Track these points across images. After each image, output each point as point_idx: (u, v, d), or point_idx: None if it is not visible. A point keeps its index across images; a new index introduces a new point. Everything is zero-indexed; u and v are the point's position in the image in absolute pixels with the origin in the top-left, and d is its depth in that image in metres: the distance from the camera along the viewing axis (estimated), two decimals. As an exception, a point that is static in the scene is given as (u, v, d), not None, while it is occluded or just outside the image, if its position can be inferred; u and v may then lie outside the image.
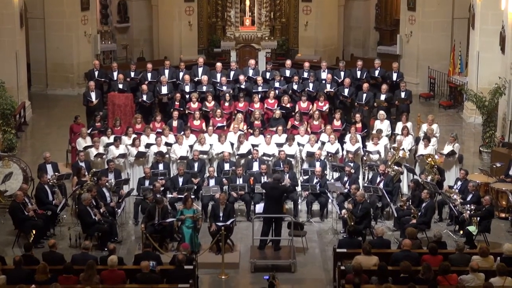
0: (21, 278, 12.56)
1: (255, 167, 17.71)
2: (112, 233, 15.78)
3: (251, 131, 19.20)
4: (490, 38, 21.55)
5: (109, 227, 15.64)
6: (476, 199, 16.18)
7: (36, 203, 16.24)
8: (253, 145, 18.38)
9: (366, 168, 18.17)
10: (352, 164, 17.50)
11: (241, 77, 21.09)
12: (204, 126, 19.37)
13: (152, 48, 28.53)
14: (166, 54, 26.86)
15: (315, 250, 15.70)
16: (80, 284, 12.63)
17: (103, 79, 21.72)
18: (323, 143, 18.45)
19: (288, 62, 22.33)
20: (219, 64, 21.96)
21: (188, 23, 27.58)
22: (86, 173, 17.10)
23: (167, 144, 18.41)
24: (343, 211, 15.83)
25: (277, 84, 20.99)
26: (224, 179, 17.30)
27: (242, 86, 20.90)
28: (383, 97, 20.62)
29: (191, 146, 18.39)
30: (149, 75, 21.62)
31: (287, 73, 21.63)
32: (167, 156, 18.22)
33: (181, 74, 21.61)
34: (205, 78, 21.07)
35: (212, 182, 17.24)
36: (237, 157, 18.30)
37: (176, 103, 20.07)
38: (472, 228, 15.41)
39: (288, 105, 20.05)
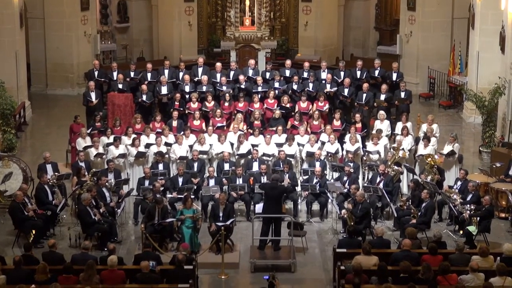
0: (21, 278, 12.56)
1: (255, 167, 17.71)
2: (112, 233, 15.78)
3: (251, 131, 19.20)
4: (490, 38, 21.55)
5: (109, 227, 15.64)
6: (476, 199, 16.18)
7: (36, 203, 16.24)
8: (253, 145, 18.38)
9: (366, 168, 18.17)
10: (352, 164, 17.50)
11: (241, 77, 21.09)
12: (204, 126, 19.36)
13: (152, 48, 28.52)
14: (166, 54, 26.86)
15: (315, 250, 15.70)
16: (80, 284, 12.63)
17: (103, 79, 21.72)
18: (323, 143, 18.45)
19: (288, 62, 22.33)
20: (219, 64, 21.96)
21: (188, 23, 27.59)
22: (86, 173, 17.11)
23: (166, 144, 18.41)
24: (343, 211, 15.83)
25: (277, 84, 20.99)
26: (224, 179, 17.30)
27: (242, 86, 20.90)
28: (383, 97, 20.61)
29: (191, 146, 18.39)
30: (149, 75, 21.62)
31: (287, 73, 21.63)
32: (166, 156, 18.22)
33: (181, 74, 21.60)
34: (205, 78, 21.07)
35: (212, 182, 17.24)
36: (237, 157, 18.29)
37: (176, 103, 20.07)
38: (472, 228, 15.41)
39: (288, 105, 20.05)
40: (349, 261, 13.53)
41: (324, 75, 21.42)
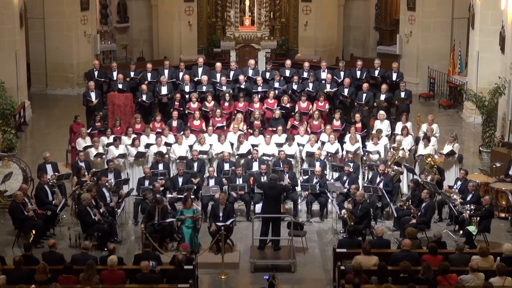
0: (21, 278, 12.55)
1: (255, 167, 17.71)
2: (112, 233, 15.77)
3: (251, 131, 19.20)
4: (490, 38, 21.55)
5: (109, 227, 15.64)
6: (476, 199, 16.18)
7: (36, 203, 16.24)
8: (253, 145, 18.38)
9: (366, 168, 18.17)
10: (351, 164, 17.50)
11: (241, 77, 21.09)
12: (204, 126, 19.36)
13: (152, 48, 28.53)
14: (166, 54, 26.87)
15: (315, 250, 15.70)
16: (80, 284, 12.63)
17: (102, 79, 21.71)
18: (323, 143, 18.45)
19: (288, 62, 22.33)
20: (218, 64, 21.96)
21: (188, 23, 27.60)
22: (86, 173, 17.10)
23: (166, 144, 18.41)
24: (343, 211, 15.83)
25: (276, 84, 20.99)
26: (224, 179, 17.30)
27: (242, 86, 20.90)
28: (383, 97, 20.61)
29: (190, 146, 18.39)
30: (148, 75, 21.61)
31: (287, 73, 21.62)
32: (166, 156, 18.22)
33: (181, 74, 21.60)
34: (205, 78, 21.07)
35: (212, 182, 17.24)
36: (236, 157, 18.29)
37: (176, 103, 20.07)
38: (472, 228, 15.41)
39: (288, 105, 20.05)
40: (349, 261, 13.53)
41: (324, 75, 21.42)
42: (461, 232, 15.97)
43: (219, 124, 19.32)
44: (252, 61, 22.21)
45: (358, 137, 18.71)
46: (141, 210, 16.53)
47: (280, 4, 28.02)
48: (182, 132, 18.77)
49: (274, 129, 19.06)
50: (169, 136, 18.65)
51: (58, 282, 12.28)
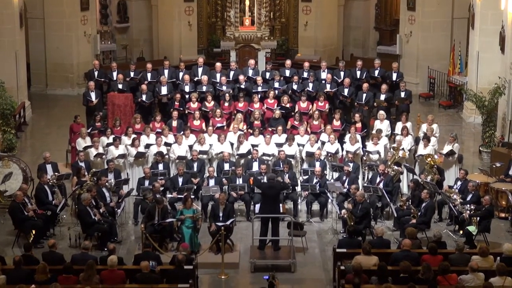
0: (21, 278, 12.55)
1: (255, 167, 17.71)
2: (112, 233, 15.77)
3: (251, 131, 19.20)
4: (490, 38, 21.55)
5: (109, 227, 15.64)
6: (476, 199, 16.18)
7: (36, 203, 16.24)
8: (253, 145, 18.37)
9: (366, 168, 18.17)
10: (351, 164, 17.50)
11: (241, 77, 21.09)
12: (204, 126, 19.36)
13: (151, 48, 28.53)
14: (165, 54, 26.86)
15: (315, 250, 15.69)
16: (80, 284, 12.63)
17: (102, 79, 21.71)
18: (323, 143, 18.45)
19: (288, 62, 22.32)
20: (218, 64, 21.96)
21: (188, 23, 27.60)
22: (86, 173, 17.10)
23: (166, 144, 18.41)
24: (343, 211, 15.83)
25: (276, 84, 20.99)
26: (224, 179, 17.29)
27: (242, 86, 20.90)
28: (383, 97, 20.61)
29: (190, 146, 18.39)
30: (148, 75, 21.61)
31: (287, 73, 21.62)
32: (166, 156, 18.22)
33: (180, 74, 21.59)
34: (205, 78, 21.07)
35: (211, 182, 17.24)
36: (236, 157, 18.29)
37: (176, 103, 20.07)
38: (472, 228, 15.41)
39: (288, 105, 20.05)
40: (349, 261, 13.53)
41: (324, 75, 21.42)
42: (461, 232, 15.96)
43: (219, 124, 19.31)
44: (252, 61, 22.21)
45: (358, 137, 18.70)
46: (141, 210, 16.53)
47: (280, 4, 28.02)
48: (182, 132, 18.77)
49: (274, 129, 19.06)
50: (169, 136, 18.65)
51: (58, 282, 12.28)
